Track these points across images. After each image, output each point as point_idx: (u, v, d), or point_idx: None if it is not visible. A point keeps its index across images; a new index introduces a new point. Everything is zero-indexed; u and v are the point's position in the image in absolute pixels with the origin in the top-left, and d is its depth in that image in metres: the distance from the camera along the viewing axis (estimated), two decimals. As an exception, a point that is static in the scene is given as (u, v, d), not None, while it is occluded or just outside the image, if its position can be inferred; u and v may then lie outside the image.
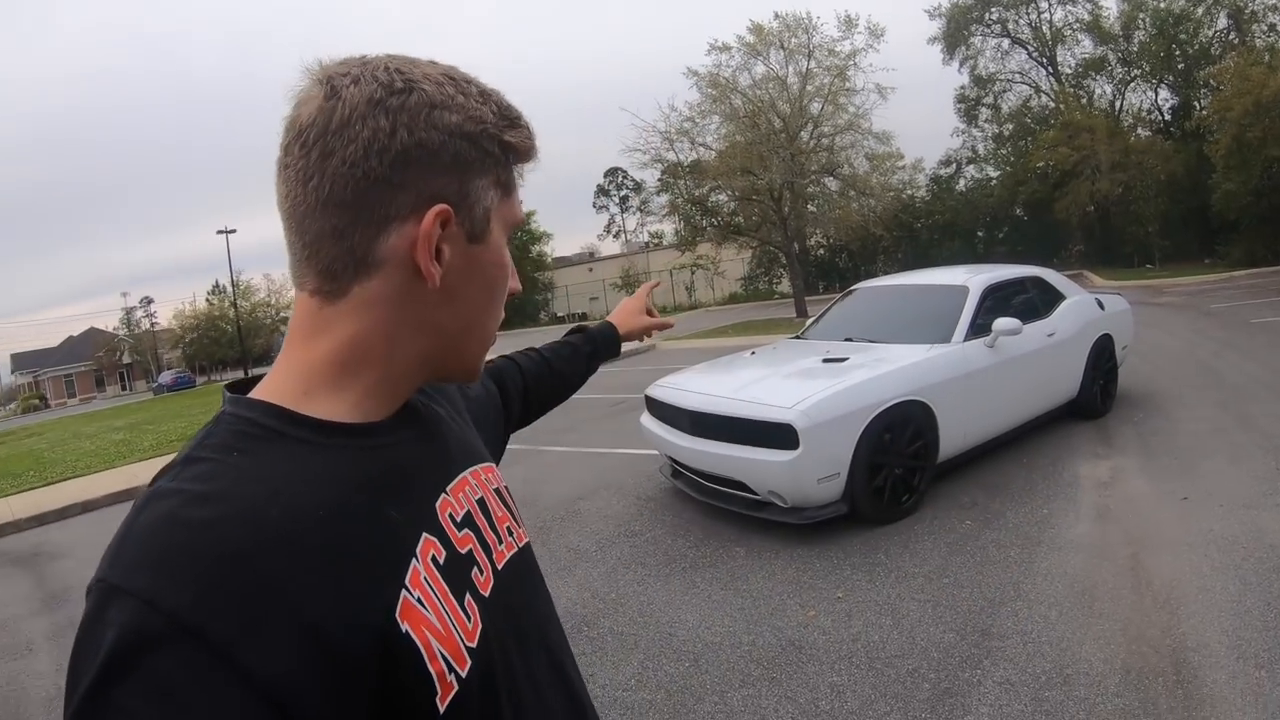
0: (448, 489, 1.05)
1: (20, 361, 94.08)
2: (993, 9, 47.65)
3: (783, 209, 30.37)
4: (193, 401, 38.59)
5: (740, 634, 4.82)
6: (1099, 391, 9.03)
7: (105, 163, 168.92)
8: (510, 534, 1.15)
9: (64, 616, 7.14)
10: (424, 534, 0.95)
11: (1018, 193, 45.50)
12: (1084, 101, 45.86)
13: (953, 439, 6.88)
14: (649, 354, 23.41)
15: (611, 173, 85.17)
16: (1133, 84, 46.94)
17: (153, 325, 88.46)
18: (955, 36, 48.77)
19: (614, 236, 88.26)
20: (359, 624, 0.81)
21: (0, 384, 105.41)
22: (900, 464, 6.41)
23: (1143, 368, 11.22)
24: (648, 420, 7.90)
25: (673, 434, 7.10)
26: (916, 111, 41.79)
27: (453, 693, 0.89)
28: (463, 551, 1.00)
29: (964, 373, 7.03)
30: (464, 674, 0.91)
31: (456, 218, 0.92)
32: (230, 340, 68.19)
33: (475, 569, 1.01)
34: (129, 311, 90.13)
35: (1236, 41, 40.99)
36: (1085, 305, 9.16)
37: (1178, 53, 43.72)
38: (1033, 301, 8.51)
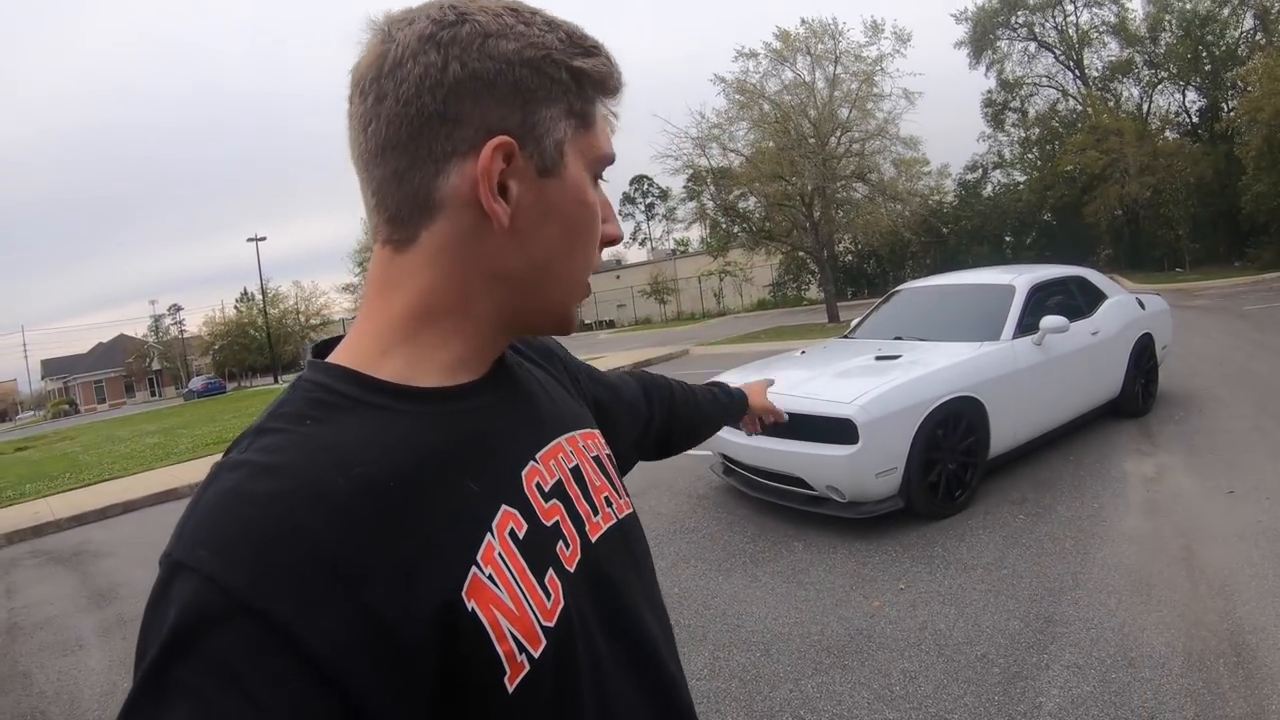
0: (537, 456, 1.01)
1: (50, 367, 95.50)
2: (1019, 12, 47.36)
3: (813, 214, 30.36)
4: (225, 407, 38.81)
5: (808, 624, 4.91)
6: (1140, 390, 9.08)
7: (136, 172, 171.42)
8: (609, 504, 1.10)
9: (113, 614, 7.25)
10: (503, 506, 0.91)
11: (1046, 197, 45.20)
12: (1111, 104, 45.51)
13: (1003, 435, 6.96)
14: (684, 358, 23.63)
15: (637, 180, 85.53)
16: (1160, 86, 46.60)
17: (181, 332, 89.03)
18: (982, 40, 48.48)
19: (640, 244, 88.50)
20: (422, 602, 0.79)
21: (30, 389, 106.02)
22: (953, 459, 6.50)
23: (1180, 368, 11.24)
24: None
25: (728, 431, 7.00)
26: (943, 116, 41.70)
27: (523, 673, 0.85)
28: (548, 524, 0.96)
29: (1013, 370, 7.12)
30: (537, 655, 0.87)
31: (522, 151, 0.88)
32: (260, 347, 68.60)
33: (561, 542, 0.97)
34: (157, 319, 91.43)
35: (1264, 42, 40.59)
36: (1127, 305, 9.23)
37: (1204, 54, 43.45)
38: (1076, 301, 8.58)
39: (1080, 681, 3.94)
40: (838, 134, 30.56)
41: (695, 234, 61.20)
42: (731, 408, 2.05)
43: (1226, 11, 42.76)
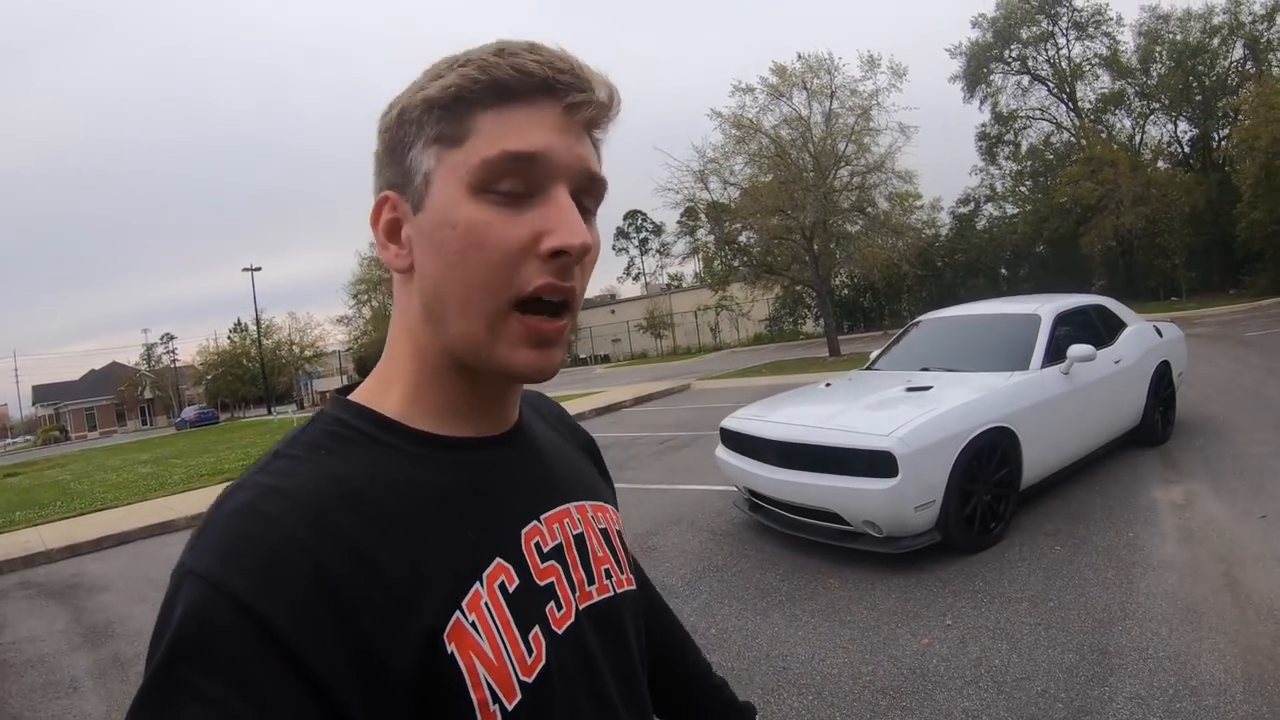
0: (541, 517, 1.02)
1: (42, 393, 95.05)
2: (1012, 46, 47.77)
3: (814, 247, 30.40)
4: (218, 438, 38.62)
5: (857, 664, 4.81)
6: (1160, 418, 9.06)
7: (132, 199, 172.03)
8: (608, 576, 1.10)
9: (109, 653, 6.97)
10: (498, 559, 0.93)
11: (1041, 229, 45.39)
12: (1104, 136, 45.86)
13: (1034, 466, 6.90)
14: (685, 393, 23.58)
15: (631, 215, 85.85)
16: (1152, 117, 47.06)
17: (174, 361, 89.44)
18: (976, 74, 48.83)
19: (633, 279, 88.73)
20: (407, 638, 0.81)
21: (21, 414, 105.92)
22: (988, 491, 6.43)
23: (1192, 395, 11.23)
24: (725, 453, 7.87)
25: (756, 466, 7.09)
26: (935, 150, 41.88)
27: None
28: (541, 584, 0.97)
29: (1044, 399, 7.08)
30: (510, 707, 0.87)
31: (401, 196, 0.94)
32: (253, 377, 68.74)
33: (553, 603, 0.98)
34: (150, 348, 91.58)
35: (1254, 71, 41.06)
36: (1146, 332, 9.26)
37: (1195, 85, 43.85)
38: (1097, 329, 8.57)
39: (1146, 713, 3.87)
40: (837, 167, 30.64)
41: (689, 269, 61.33)
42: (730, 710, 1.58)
43: (1216, 42, 43.23)
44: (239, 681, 0.72)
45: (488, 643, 0.87)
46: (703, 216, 35.07)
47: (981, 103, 50.36)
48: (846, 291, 49.44)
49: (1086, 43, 47.16)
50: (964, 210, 52.02)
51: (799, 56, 31.45)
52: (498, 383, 1.01)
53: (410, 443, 0.94)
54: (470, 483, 0.96)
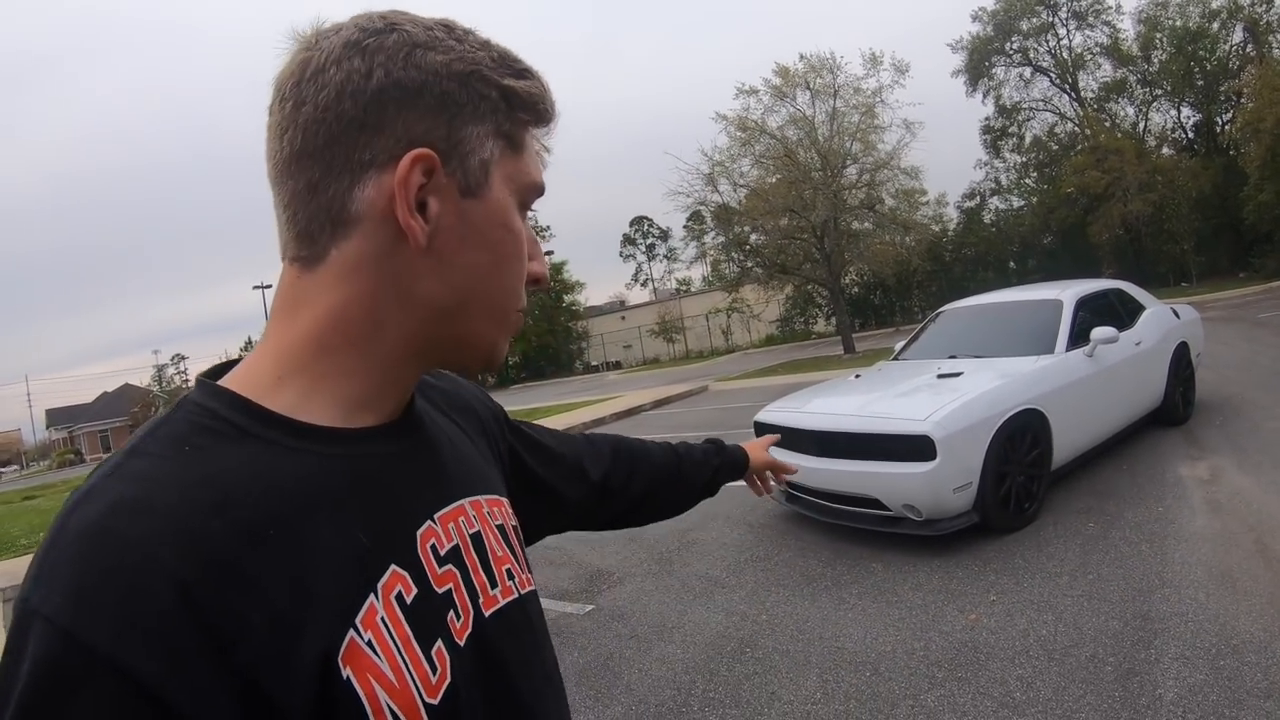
0: (436, 516, 0.94)
1: (55, 417, 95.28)
2: (1013, 39, 47.58)
3: (825, 246, 30.48)
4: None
5: (910, 641, 4.93)
6: (1180, 398, 9.21)
7: (137, 222, 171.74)
8: (510, 578, 1.03)
9: None
10: (393, 565, 0.84)
11: (1049, 220, 45.33)
12: (1108, 125, 45.80)
13: (1064, 446, 7.04)
14: (704, 395, 23.60)
15: (637, 221, 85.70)
16: (1155, 103, 47.02)
17: (185, 382, 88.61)
18: (977, 68, 48.61)
19: (641, 285, 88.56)
20: (296, 665, 0.73)
21: (35, 439, 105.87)
22: (1022, 471, 6.57)
23: (1210, 376, 11.34)
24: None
25: (794, 456, 7.01)
26: (940, 146, 41.90)
27: None
28: (439, 591, 0.89)
29: (1071, 381, 7.24)
30: None
31: (445, 167, 0.84)
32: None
33: (453, 612, 0.90)
34: (161, 368, 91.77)
35: (1254, 54, 40.97)
36: (1164, 314, 9.41)
37: (1196, 70, 43.75)
38: (1117, 312, 8.72)
39: (1192, 671, 4.03)
40: (845, 165, 30.65)
41: (697, 272, 61.15)
42: (724, 469, 1.86)
43: (1216, 26, 43.15)
44: None
45: (387, 663, 0.79)
46: (709, 220, 35.04)
47: (984, 96, 50.25)
48: (856, 289, 49.26)
49: (1087, 32, 47.08)
50: (970, 204, 51.93)
51: (801, 57, 31.49)
52: (420, 371, 0.97)
53: (292, 436, 0.83)
54: (361, 479, 0.87)
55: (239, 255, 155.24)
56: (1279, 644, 4.16)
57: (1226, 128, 43.28)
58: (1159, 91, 46.05)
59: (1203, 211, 39.93)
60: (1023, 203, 50.42)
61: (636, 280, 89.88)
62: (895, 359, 9.46)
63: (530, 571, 1.11)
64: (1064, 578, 5.45)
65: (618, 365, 62.01)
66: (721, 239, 35.19)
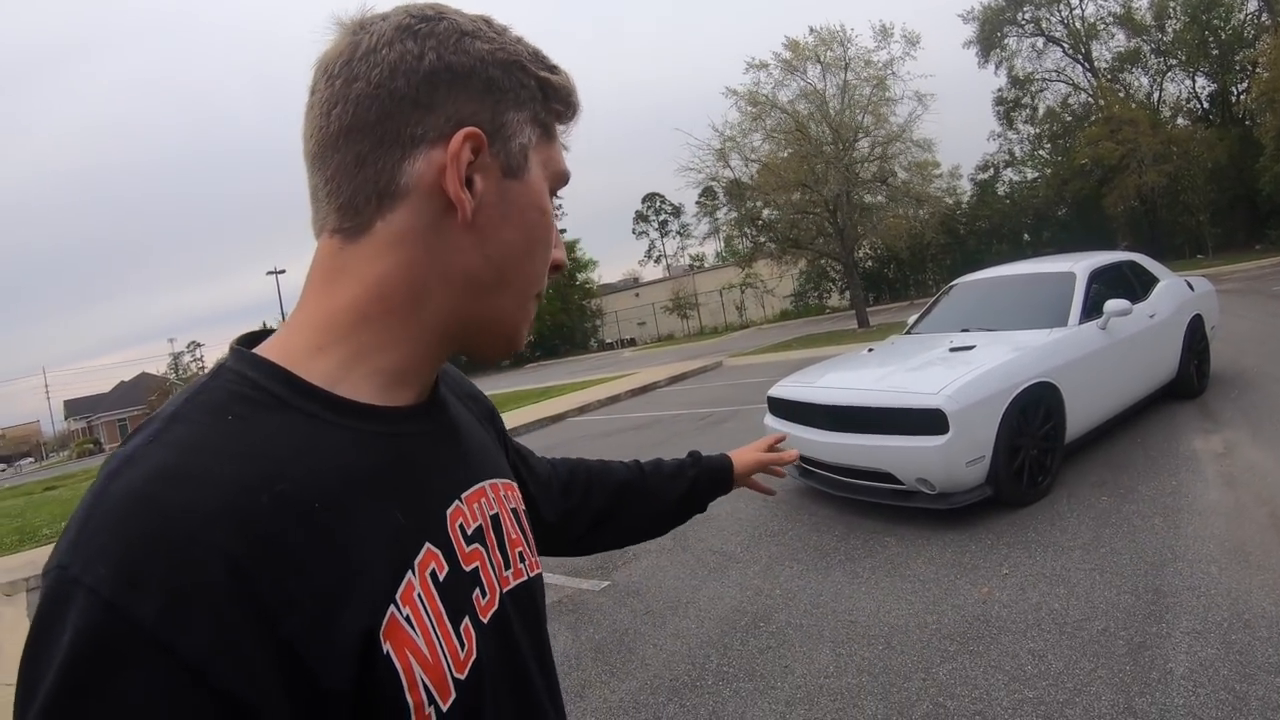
0: (463, 496, 0.97)
1: (73, 408, 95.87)
2: (1025, 8, 47.02)
3: (838, 220, 30.40)
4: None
5: (923, 614, 4.95)
6: (1194, 371, 9.18)
7: (151, 210, 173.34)
8: (522, 560, 1.06)
9: None
10: (427, 544, 0.86)
11: (1063, 192, 45.09)
12: (1122, 95, 45.34)
13: (1077, 419, 7.04)
14: (718, 370, 23.60)
15: (649, 198, 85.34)
16: (1169, 74, 46.41)
17: (201, 369, 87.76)
18: (989, 39, 48.12)
19: (655, 261, 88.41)
20: (338, 639, 0.74)
21: (53, 430, 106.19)
22: (1035, 445, 6.56)
23: (1225, 350, 11.28)
24: (773, 421, 8.01)
25: (807, 431, 7.18)
26: (953, 117, 41.56)
27: None
28: (467, 569, 0.92)
29: (1084, 354, 7.23)
30: (445, 708, 0.82)
31: (490, 146, 0.88)
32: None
33: (478, 590, 0.93)
34: (177, 356, 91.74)
35: (1269, 23, 40.56)
36: (1178, 287, 9.37)
37: (1211, 39, 43.19)
38: (1130, 285, 8.69)
39: (1203, 646, 4.04)
40: (856, 139, 30.51)
41: (710, 248, 60.99)
42: (703, 479, 1.79)
43: (1231, -6, 42.52)
44: None
45: (422, 639, 0.81)
46: (722, 195, 34.91)
47: (997, 67, 49.70)
48: (870, 263, 49.11)
49: (1100, 2, 46.48)
50: (984, 176, 51.54)
51: (811, 30, 31.28)
52: (457, 351, 0.99)
53: (331, 410, 0.84)
54: (398, 458, 0.89)
55: (249, 243, 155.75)
56: (1290, 619, 4.17)
57: (1242, 98, 42.85)
58: (1173, 61, 45.45)
59: (1218, 183, 39.54)
60: (1036, 175, 50.09)
61: (650, 257, 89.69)
62: (908, 333, 9.47)
63: (537, 554, 1.14)
64: (1076, 551, 5.46)
65: (632, 342, 62.03)
66: (734, 215, 35.06)
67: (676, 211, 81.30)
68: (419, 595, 0.82)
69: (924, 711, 3.97)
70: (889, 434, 6.46)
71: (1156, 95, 46.74)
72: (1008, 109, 50.53)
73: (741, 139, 32.15)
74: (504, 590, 0.98)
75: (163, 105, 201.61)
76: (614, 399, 20.05)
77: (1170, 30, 44.60)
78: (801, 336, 30.59)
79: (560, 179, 0.99)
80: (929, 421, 6.17)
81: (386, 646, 0.77)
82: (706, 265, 68.06)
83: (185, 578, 0.66)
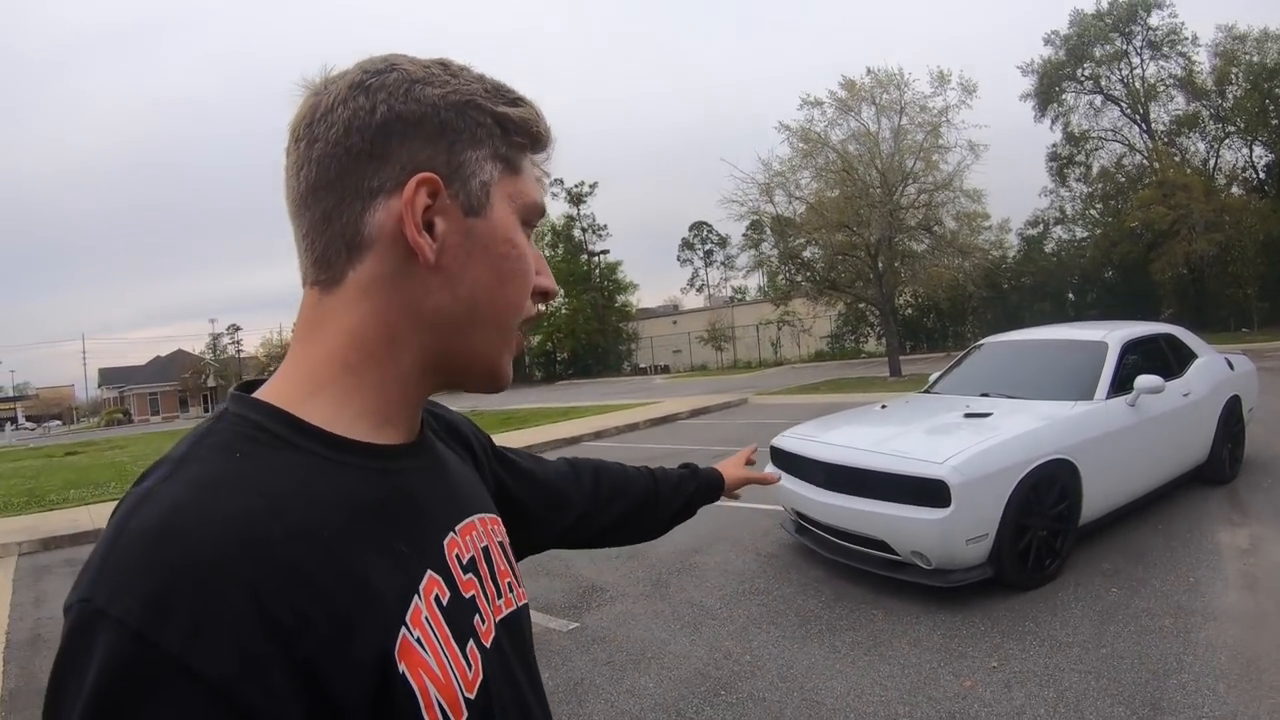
0: (457, 528, 1.00)
1: (107, 376, 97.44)
2: (1085, 65, 47.21)
3: (878, 265, 30.17)
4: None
5: (894, 704, 4.62)
6: (1228, 455, 8.75)
7: (210, 191, 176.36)
8: (510, 590, 1.09)
9: None
10: (429, 571, 0.90)
11: (1111, 254, 44.78)
12: (1178, 159, 45.05)
13: (1095, 501, 6.64)
14: (742, 407, 23.46)
15: (696, 226, 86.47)
16: (1226, 140, 46.04)
17: (239, 352, 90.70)
18: (1047, 93, 48.34)
19: (697, 290, 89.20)
20: (355, 661, 0.76)
21: (86, 396, 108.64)
22: (1045, 526, 6.19)
23: (1261, 433, 10.80)
24: (773, 472, 7.61)
25: (804, 487, 6.92)
26: (1007, 170, 41.27)
27: None
28: (466, 596, 0.95)
29: (1108, 431, 6.83)
30: None
31: (448, 189, 0.89)
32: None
33: (477, 616, 0.96)
34: (215, 337, 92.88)
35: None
36: (1217, 365, 8.96)
37: (1272, 108, 42.88)
38: (1167, 360, 8.30)
39: (1196, 779, 3.66)
40: (904, 184, 30.34)
41: (753, 282, 61.26)
42: (699, 492, 1.90)
43: (1294, 63, 42.14)
44: None
45: (434, 659, 0.84)
46: (768, 230, 34.78)
47: (1053, 122, 49.80)
48: (910, 311, 49.16)
49: (1161, 63, 46.47)
50: (1033, 232, 51.40)
51: (868, 71, 31.19)
52: (441, 388, 1.01)
53: (330, 449, 0.87)
54: (394, 491, 0.92)
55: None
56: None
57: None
58: (1231, 128, 45.12)
59: (1269, 255, 39.17)
60: (1086, 234, 49.84)
61: (692, 285, 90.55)
62: (927, 390, 9.16)
63: (523, 585, 1.16)
64: (1075, 649, 5.07)
65: (665, 369, 62.68)
66: (775, 250, 34.92)
67: (723, 242, 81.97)
68: (426, 618, 0.85)
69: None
70: (887, 500, 6.10)
71: (1213, 162, 46.43)
72: (1061, 165, 50.47)
73: (790, 175, 32.07)
74: (498, 618, 1.01)
75: (236, 85, 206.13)
76: (632, 426, 20.04)
77: (1231, 96, 44.25)
78: (832, 380, 30.46)
79: (533, 210, 0.99)
80: (930, 492, 5.80)
81: (402, 667, 0.80)
82: (748, 299, 68.12)
83: (209, 605, 0.68)
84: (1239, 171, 46.54)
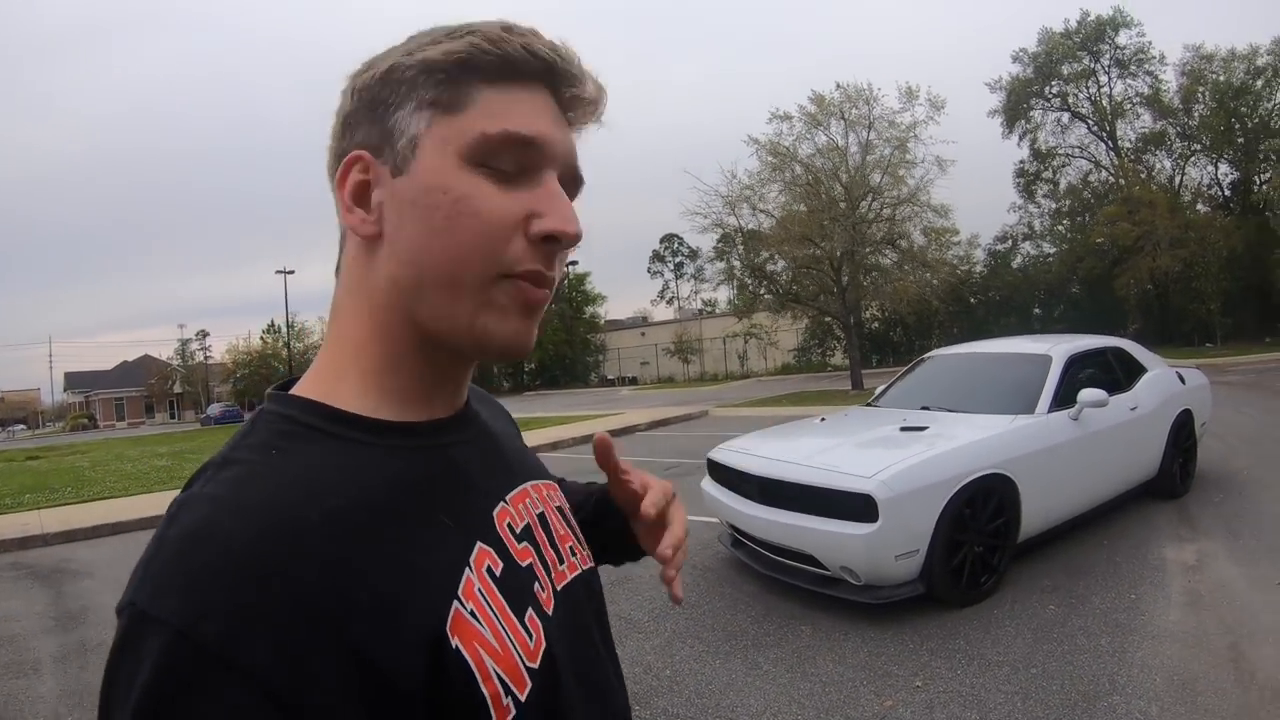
0: (507, 498, 0.98)
1: (74, 381, 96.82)
2: (1053, 82, 47.93)
3: (841, 279, 30.24)
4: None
5: (810, 723, 4.44)
6: (1178, 470, 8.65)
7: (175, 198, 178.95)
8: (573, 554, 1.06)
9: (76, 639, 7.07)
10: (479, 543, 0.88)
11: (1076, 269, 45.31)
12: (1144, 176, 45.58)
13: (1034, 516, 6.50)
14: (702, 420, 23.40)
15: (668, 239, 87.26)
16: (1192, 158, 46.76)
17: (206, 358, 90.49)
18: (1015, 110, 49.06)
19: (667, 302, 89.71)
20: (406, 640, 0.75)
21: (52, 400, 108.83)
22: (980, 542, 6.04)
23: (1217, 447, 10.81)
24: (709, 485, 7.57)
25: (737, 501, 6.78)
26: (975, 186, 41.81)
27: (509, 718, 0.81)
28: (522, 565, 0.93)
29: (1048, 446, 6.69)
30: (523, 698, 0.82)
31: (378, 159, 0.87)
32: (282, 379, 69.70)
33: (536, 584, 0.93)
34: (184, 343, 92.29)
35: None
36: (1167, 379, 8.85)
37: (1237, 126, 43.52)
38: (1114, 373, 8.19)
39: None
40: (869, 199, 30.48)
41: (723, 294, 61.65)
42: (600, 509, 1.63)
43: (1260, 83, 42.92)
44: None
45: (489, 631, 0.82)
46: (737, 244, 34.86)
47: (1020, 139, 50.54)
48: (876, 325, 49.60)
49: (1129, 81, 47.30)
50: (1001, 248, 51.89)
51: (837, 86, 31.67)
52: (462, 361, 0.96)
53: (366, 433, 0.86)
54: (435, 467, 0.90)
55: (268, 240, 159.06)
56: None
57: (1263, 188, 42.78)
58: (1197, 146, 45.87)
59: (1232, 272, 39.68)
60: (1053, 249, 50.41)
61: (662, 298, 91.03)
62: (870, 404, 9.04)
63: (587, 548, 1.14)
64: (1004, 668, 4.90)
65: (633, 381, 62.96)
66: (741, 263, 35.14)
67: (693, 254, 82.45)
68: (479, 590, 0.84)
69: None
70: (815, 515, 5.94)
71: (1178, 179, 47.19)
72: (1028, 181, 51.22)
73: (759, 188, 32.34)
74: (562, 584, 0.99)
75: (202, 95, 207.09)
76: (588, 439, 19.67)
77: (1197, 115, 44.93)
78: (794, 393, 30.47)
79: (493, 142, 0.86)
80: (857, 507, 5.64)
81: (455, 641, 0.78)
82: (716, 311, 68.42)
83: (249, 598, 0.68)
84: (1204, 189, 47.40)
